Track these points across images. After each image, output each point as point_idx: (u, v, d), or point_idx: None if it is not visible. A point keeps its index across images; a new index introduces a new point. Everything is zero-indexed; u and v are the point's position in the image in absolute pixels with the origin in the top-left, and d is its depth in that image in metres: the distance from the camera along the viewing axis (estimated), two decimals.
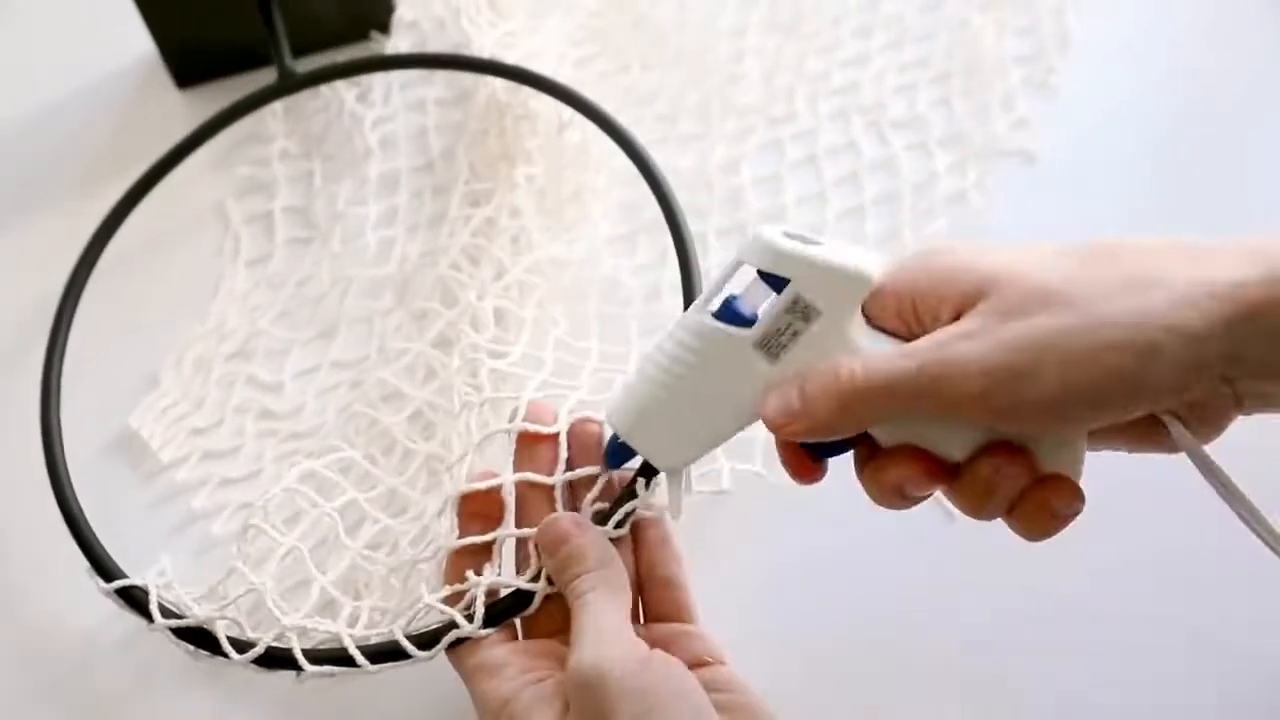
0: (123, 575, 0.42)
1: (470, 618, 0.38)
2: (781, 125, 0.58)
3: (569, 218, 0.54)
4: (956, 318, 0.33)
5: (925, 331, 0.34)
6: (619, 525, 0.39)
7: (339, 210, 0.56)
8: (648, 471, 0.39)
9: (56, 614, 0.46)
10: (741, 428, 0.37)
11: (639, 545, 0.40)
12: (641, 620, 0.40)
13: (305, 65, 0.56)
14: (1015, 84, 0.57)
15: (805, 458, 0.36)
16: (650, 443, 0.37)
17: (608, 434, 0.40)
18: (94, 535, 0.43)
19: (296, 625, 0.39)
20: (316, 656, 0.39)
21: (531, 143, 0.53)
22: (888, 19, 0.61)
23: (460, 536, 0.40)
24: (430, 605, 0.39)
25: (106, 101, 0.63)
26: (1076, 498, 0.33)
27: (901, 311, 0.34)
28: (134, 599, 0.41)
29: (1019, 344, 0.31)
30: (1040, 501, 0.33)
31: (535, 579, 0.38)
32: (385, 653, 0.39)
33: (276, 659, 0.39)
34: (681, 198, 0.51)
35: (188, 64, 0.62)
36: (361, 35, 0.62)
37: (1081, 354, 0.30)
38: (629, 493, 0.39)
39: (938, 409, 0.33)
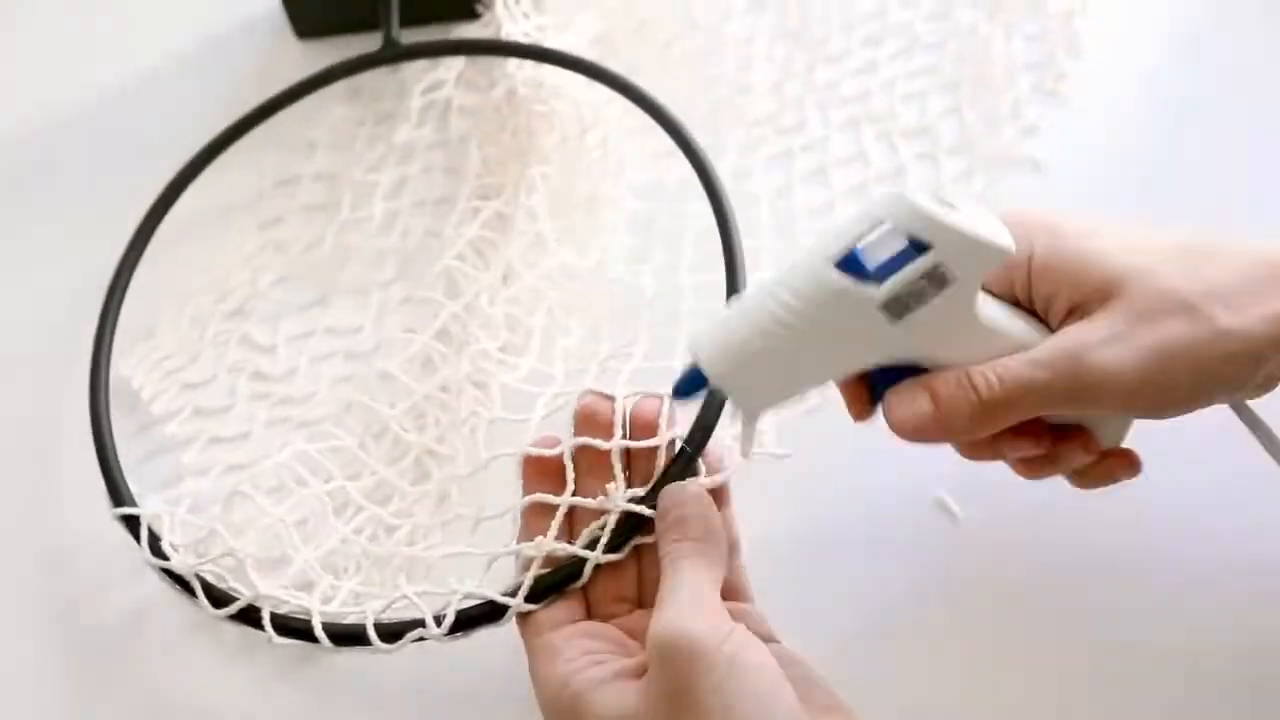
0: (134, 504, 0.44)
1: (439, 620, 0.39)
2: (792, 135, 0.57)
3: (580, 226, 0.54)
4: (1071, 310, 0.35)
5: (1032, 308, 0.37)
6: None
7: (357, 178, 0.57)
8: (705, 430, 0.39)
9: (99, 579, 0.48)
10: (842, 378, 0.37)
11: None
12: None
13: (413, 35, 0.57)
14: (1024, 91, 0.56)
15: (865, 399, 0.38)
16: (738, 383, 0.36)
17: (687, 366, 0.38)
18: (122, 475, 0.45)
19: (270, 596, 0.41)
20: (285, 626, 0.40)
21: (548, 140, 0.53)
22: (896, 27, 0.60)
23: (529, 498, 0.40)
24: (408, 598, 0.39)
25: (231, 50, 0.65)
26: (1138, 467, 0.39)
27: (1013, 282, 0.37)
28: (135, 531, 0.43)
29: (1155, 355, 0.34)
30: (1106, 472, 0.39)
31: (513, 593, 0.38)
32: (348, 636, 0.40)
33: (251, 620, 0.41)
34: (693, 209, 0.53)
35: (308, 17, 0.63)
36: (471, 13, 0.61)
37: (1208, 365, 0.34)
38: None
39: (1072, 411, 0.36)
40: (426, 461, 0.47)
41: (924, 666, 0.42)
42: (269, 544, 0.44)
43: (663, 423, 0.40)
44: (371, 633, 0.39)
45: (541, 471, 0.40)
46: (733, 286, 0.44)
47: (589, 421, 0.40)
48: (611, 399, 0.40)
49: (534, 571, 0.39)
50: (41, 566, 0.48)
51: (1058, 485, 0.41)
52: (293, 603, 0.41)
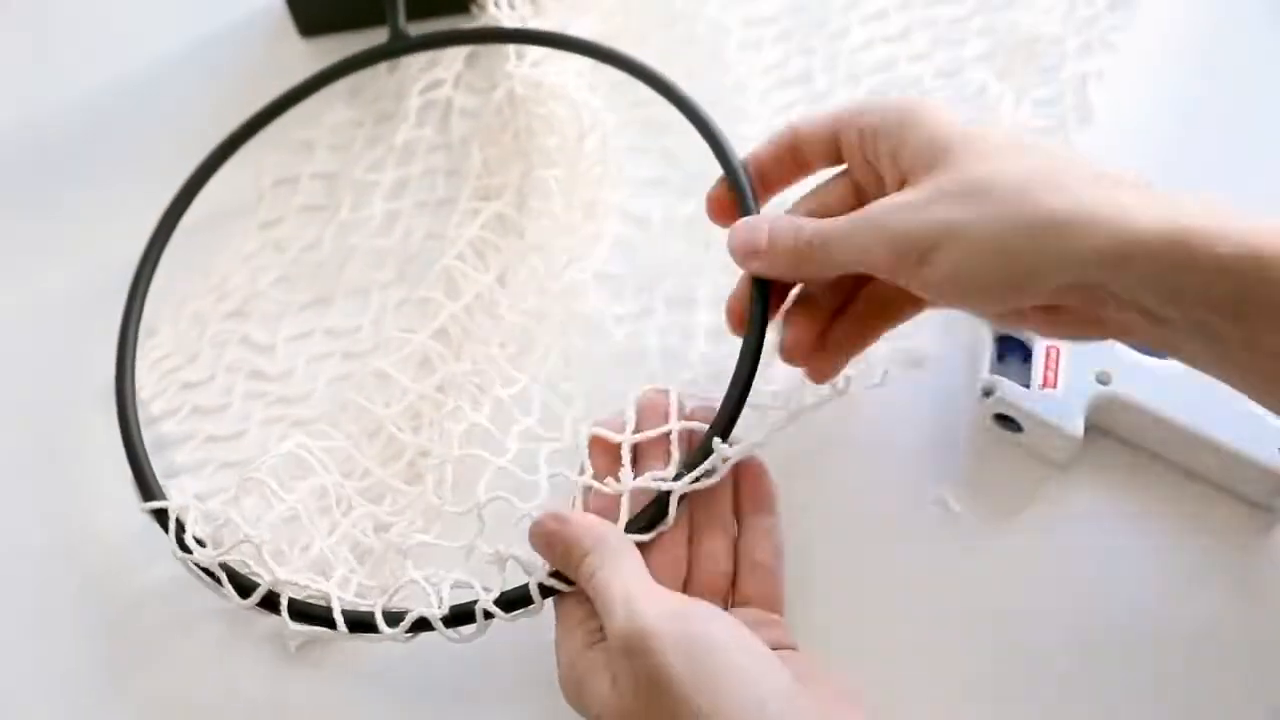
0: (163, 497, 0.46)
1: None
2: None
3: (579, 234, 0.53)
4: (904, 181, 0.38)
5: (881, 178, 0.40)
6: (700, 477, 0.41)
7: (357, 177, 0.57)
8: (725, 430, 0.41)
9: (114, 570, 0.49)
10: None
11: (742, 525, 0.42)
12: (730, 604, 0.41)
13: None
14: None
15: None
16: None
17: None
18: (151, 469, 0.47)
19: (289, 580, 0.42)
20: (301, 610, 0.42)
21: (549, 141, 0.53)
22: (904, 81, 0.58)
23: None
24: (416, 582, 0.41)
25: (233, 48, 0.65)
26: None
27: (865, 151, 0.40)
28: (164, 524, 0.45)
29: (930, 228, 0.35)
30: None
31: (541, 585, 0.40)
32: (360, 622, 0.41)
33: (275, 606, 0.42)
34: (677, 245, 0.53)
35: (310, 15, 0.63)
36: (463, 8, 0.60)
37: (979, 250, 0.35)
38: (705, 450, 0.41)
39: (861, 269, 0.38)
40: (420, 463, 0.48)
41: (923, 666, 0.42)
42: (276, 537, 0.44)
43: (673, 412, 0.43)
44: (380, 619, 0.41)
45: (606, 452, 0.43)
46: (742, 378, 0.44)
47: (651, 411, 0.43)
48: (666, 393, 0.43)
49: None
50: (59, 560, 0.49)
51: (1059, 487, 0.44)
52: (313, 589, 0.42)
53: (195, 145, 0.55)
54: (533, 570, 0.40)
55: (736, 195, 0.45)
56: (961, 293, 0.36)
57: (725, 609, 0.40)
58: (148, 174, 0.56)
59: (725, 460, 0.41)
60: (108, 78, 0.64)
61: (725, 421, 0.41)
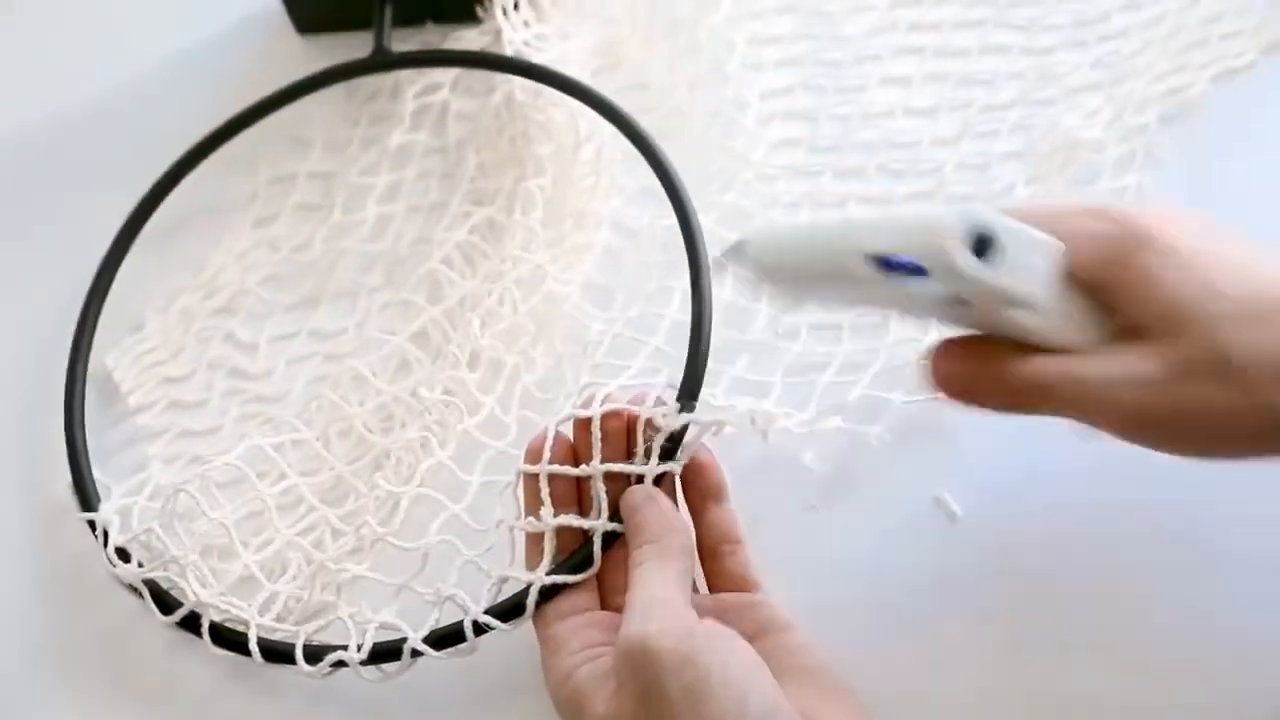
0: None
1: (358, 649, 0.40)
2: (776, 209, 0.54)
3: (568, 244, 0.52)
4: (1132, 327, 0.36)
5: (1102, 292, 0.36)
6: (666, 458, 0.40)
7: (352, 180, 0.57)
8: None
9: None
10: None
11: (700, 519, 0.42)
12: (706, 590, 0.41)
13: (413, 36, 0.59)
14: None
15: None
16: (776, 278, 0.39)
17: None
18: (93, 480, 0.48)
19: (210, 603, 0.43)
20: (223, 635, 0.42)
21: (545, 149, 0.53)
22: (925, 167, 0.54)
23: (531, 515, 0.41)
24: (341, 620, 0.42)
25: (231, 45, 0.65)
26: None
27: (1092, 270, 0.36)
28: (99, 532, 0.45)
29: (1179, 413, 0.34)
30: None
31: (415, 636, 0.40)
32: (278, 652, 0.41)
33: (197, 628, 0.43)
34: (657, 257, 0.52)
35: (307, 14, 0.62)
36: (471, 15, 0.59)
37: (1229, 435, 0.34)
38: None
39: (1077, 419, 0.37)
40: (386, 465, 0.48)
41: (922, 666, 0.42)
42: (219, 533, 0.45)
43: (659, 437, 0.41)
44: (299, 655, 0.41)
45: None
46: (696, 340, 0.44)
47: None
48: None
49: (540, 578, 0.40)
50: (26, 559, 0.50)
51: (1061, 486, 0.44)
52: (232, 612, 0.43)
53: (187, 143, 0.56)
54: (468, 610, 0.40)
55: (684, 235, 0.45)
56: (1211, 456, 0.36)
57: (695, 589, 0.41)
58: (144, 170, 0.56)
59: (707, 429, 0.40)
60: (105, 73, 0.64)
61: (689, 392, 0.41)
